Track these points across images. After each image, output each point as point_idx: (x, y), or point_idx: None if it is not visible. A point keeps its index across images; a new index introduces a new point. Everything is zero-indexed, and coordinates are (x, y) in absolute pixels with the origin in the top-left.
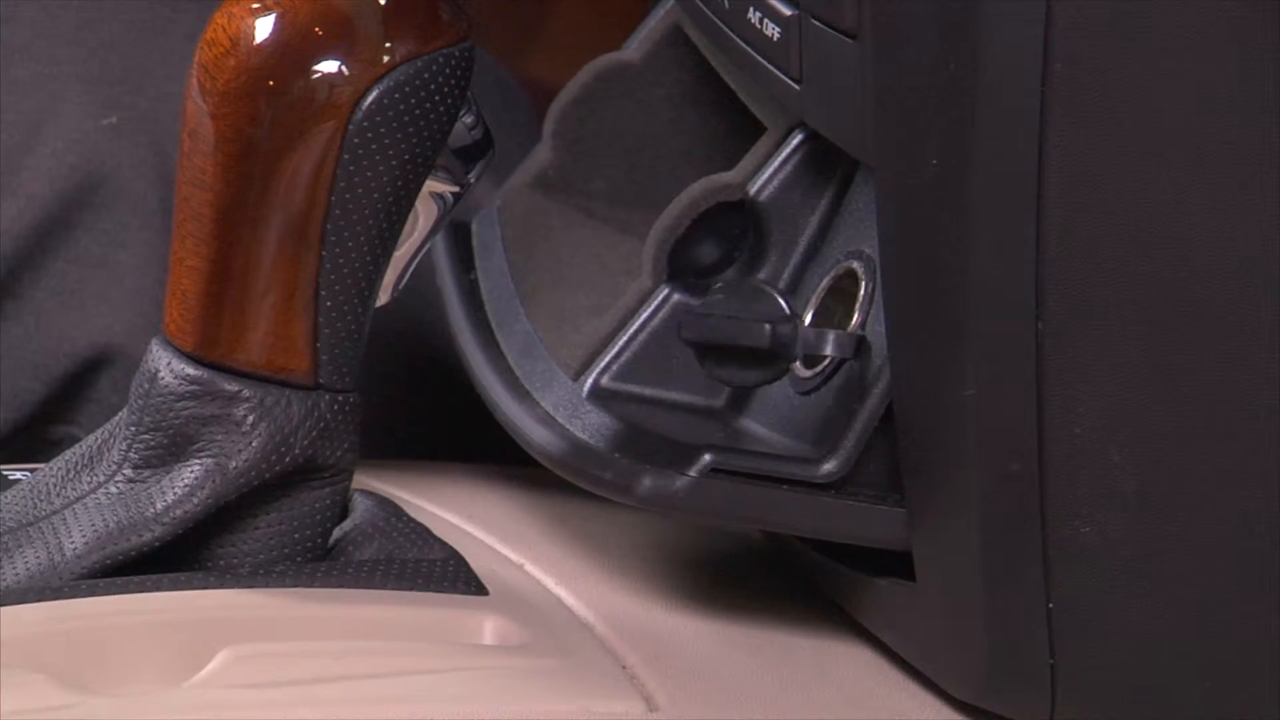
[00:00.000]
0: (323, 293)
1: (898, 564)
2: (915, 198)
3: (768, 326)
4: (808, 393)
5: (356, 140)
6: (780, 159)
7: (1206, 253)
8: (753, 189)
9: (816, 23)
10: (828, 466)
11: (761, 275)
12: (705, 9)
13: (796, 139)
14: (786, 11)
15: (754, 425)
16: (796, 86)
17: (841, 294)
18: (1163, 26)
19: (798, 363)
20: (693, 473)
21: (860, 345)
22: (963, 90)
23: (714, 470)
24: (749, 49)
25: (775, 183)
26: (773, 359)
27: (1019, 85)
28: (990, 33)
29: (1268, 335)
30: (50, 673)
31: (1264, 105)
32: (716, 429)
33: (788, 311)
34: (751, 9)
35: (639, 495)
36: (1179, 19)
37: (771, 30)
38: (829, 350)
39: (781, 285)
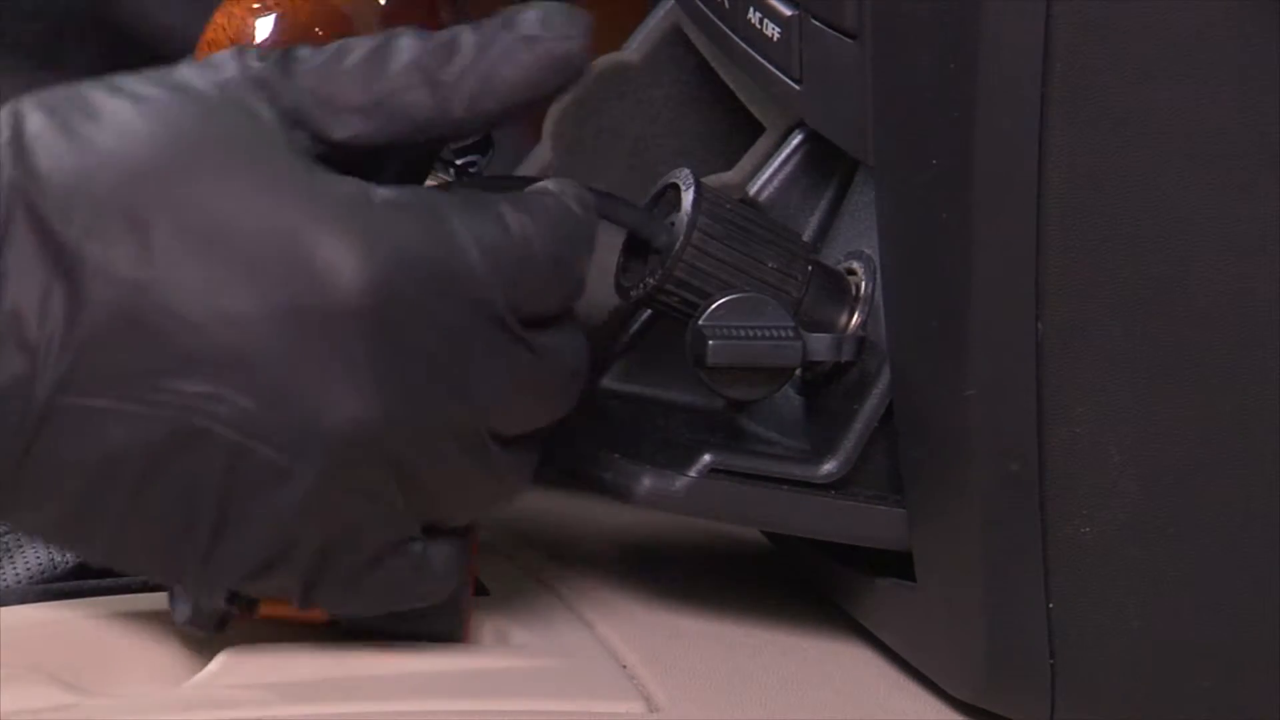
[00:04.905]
0: None
1: (898, 564)
2: (915, 198)
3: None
4: (808, 393)
5: None
6: (780, 159)
7: (1207, 252)
8: (752, 189)
9: (816, 23)
10: (828, 466)
11: None
12: (705, 9)
13: (796, 139)
14: (786, 11)
15: (754, 425)
16: (796, 86)
17: None
18: (1162, 26)
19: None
20: (693, 473)
21: (860, 345)
22: (963, 90)
23: (714, 470)
24: (749, 49)
25: (775, 183)
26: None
27: (1019, 85)
28: (990, 33)
29: (1269, 335)
30: (50, 673)
31: (1264, 105)
32: (716, 429)
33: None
34: (751, 9)
35: (639, 495)
36: (1178, 18)
37: (771, 30)
38: (828, 356)
39: None
